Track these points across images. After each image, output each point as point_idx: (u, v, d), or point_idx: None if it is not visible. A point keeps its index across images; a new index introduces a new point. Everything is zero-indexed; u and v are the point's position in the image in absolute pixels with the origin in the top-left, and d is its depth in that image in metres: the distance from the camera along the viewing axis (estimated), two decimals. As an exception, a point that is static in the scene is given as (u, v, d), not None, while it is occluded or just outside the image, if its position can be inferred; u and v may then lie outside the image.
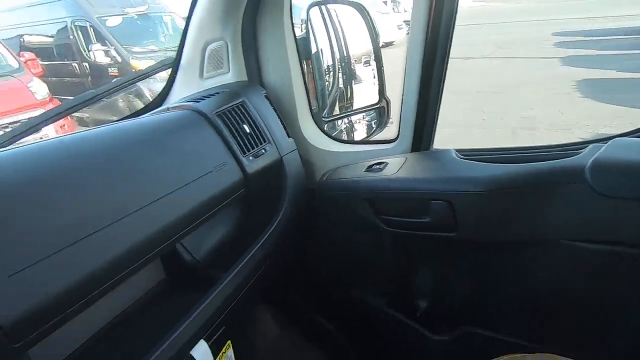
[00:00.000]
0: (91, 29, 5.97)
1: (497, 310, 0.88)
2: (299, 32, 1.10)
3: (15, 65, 4.85)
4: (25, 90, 4.58)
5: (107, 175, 0.61)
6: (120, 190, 0.61)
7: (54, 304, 0.49)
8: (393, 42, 9.28)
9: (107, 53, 5.91)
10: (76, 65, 6.40)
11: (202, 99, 0.87)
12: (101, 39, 5.93)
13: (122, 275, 0.58)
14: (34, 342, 0.49)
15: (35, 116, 0.89)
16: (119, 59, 5.87)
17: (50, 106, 4.71)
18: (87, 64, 6.28)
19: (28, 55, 5.17)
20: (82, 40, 6.14)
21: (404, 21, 10.00)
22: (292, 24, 0.98)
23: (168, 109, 0.88)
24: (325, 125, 1.15)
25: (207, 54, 0.98)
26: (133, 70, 5.84)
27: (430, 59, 0.81)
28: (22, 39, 6.86)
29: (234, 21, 0.93)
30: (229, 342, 0.80)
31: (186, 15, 0.99)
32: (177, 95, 1.08)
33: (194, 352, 0.67)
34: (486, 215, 0.76)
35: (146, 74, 1.11)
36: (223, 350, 0.78)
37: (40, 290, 0.48)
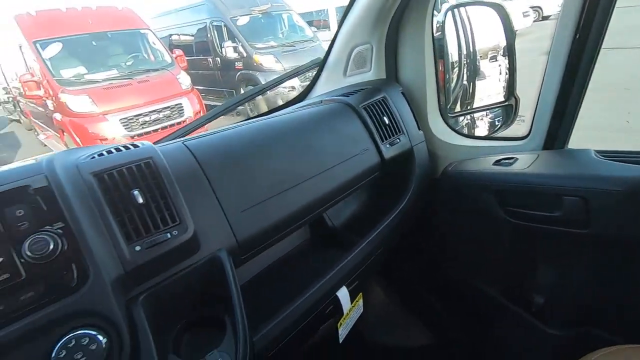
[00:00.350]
0: (225, 28, 6.87)
1: (623, 313, 0.86)
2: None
3: (169, 60, 5.91)
4: (175, 81, 5.57)
5: (295, 149, 0.82)
6: (303, 160, 0.82)
7: (265, 233, 0.72)
8: (516, 31, 8.40)
9: (235, 49, 6.75)
10: (210, 60, 7.47)
11: (351, 94, 1.04)
12: (232, 37, 6.79)
13: (304, 221, 0.79)
14: (249, 258, 0.73)
15: (221, 104, 1.18)
16: (245, 54, 6.65)
17: (192, 95, 5.64)
18: (218, 59, 7.27)
19: (178, 52, 6.20)
20: (217, 38, 7.13)
21: (531, 7, 8.94)
22: (433, 28, 1.08)
23: (322, 101, 1.08)
24: (450, 120, 1.22)
25: (352, 56, 1.15)
26: (255, 64, 6.58)
27: (578, 52, 0.78)
28: (171, 38, 8.24)
29: (381, 27, 1.07)
30: (361, 294, 0.97)
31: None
32: (321, 90, 1.29)
33: (339, 293, 0.86)
34: (626, 215, 0.75)
35: (298, 72, 1.34)
36: (357, 299, 0.95)
37: (261, 222, 0.71)
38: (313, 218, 0.87)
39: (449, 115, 1.24)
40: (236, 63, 6.86)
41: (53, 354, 0.45)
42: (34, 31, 5.12)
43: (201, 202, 0.65)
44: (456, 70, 1.41)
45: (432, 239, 1.21)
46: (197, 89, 6.12)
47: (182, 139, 0.75)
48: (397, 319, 1.30)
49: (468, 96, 1.46)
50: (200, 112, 5.61)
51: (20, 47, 5.32)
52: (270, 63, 6.52)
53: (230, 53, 6.79)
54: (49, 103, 5.13)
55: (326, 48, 1.19)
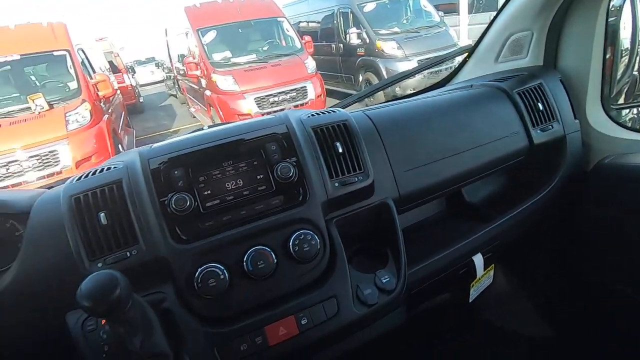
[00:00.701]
0: (351, 14, 7.10)
1: None
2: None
3: (299, 46, 6.44)
4: (303, 65, 6.05)
5: (450, 125, 0.94)
6: (456, 136, 0.93)
7: (421, 192, 0.86)
8: None
9: (359, 35, 6.92)
10: (334, 46, 7.83)
11: (504, 80, 1.09)
12: (357, 23, 6.98)
13: (450, 190, 0.91)
14: (404, 211, 0.88)
15: (372, 85, 1.34)
16: (367, 40, 6.79)
17: (315, 79, 6.06)
18: (341, 45, 7.58)
19: (307, 38, 6.68)
20: (342, 25, 7.42)
21: None
22: (607, 15, 1.04)
23: (472, 86, 1.15)
24: (613, 112, 1.15)
25: (508, 42, 1.18)
26: (376, 50, 6.67)
27: None
28: (300, 25, 8.86)
29: (546, 14, 1.08)
30: (492, 265, 1.05)
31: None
32: (468, 75, 1.34)
33: (474, 258, 0.96)
34: None
35: (446, 58, 1.42)
36: (489, 269, 1.04)
37: (418, 183, 0.85)
38: (457, 189, 0.97)
39: (612, 106, 1.17)
40: (358, 49, 7.05)
41: (290, 241, 0.68)
42: (197, 20, 6.15)
43: (377, 159, 0.82)
44: (626, 58, 1.30)
45: (571, 233, 1.18)
46: (322, 73, 6.53)
47: (362, 108, 0.93)
48: (516, 304, 1.31)
49: (637, 87, 1.33)
50: (321, 95, 6.01)
51: (187, 34, 6.46)
52: (391, 49, 6.53)
53: (353, 39, 6.99)
54: (203, 81, 6.15)
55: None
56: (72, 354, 0.59)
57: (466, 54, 1.35)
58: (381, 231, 0.82)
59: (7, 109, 4.45)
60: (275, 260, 0.66)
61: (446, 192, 0.94)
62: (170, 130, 7.99)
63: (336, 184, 0.75)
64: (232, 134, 0.73)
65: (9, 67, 4.83)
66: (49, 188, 0.83)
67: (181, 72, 7.75)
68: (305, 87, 5.91)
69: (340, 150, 0.76)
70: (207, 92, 6.03)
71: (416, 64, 6.32)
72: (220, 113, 5.73)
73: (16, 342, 0.64)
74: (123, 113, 6.59)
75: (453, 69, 1.41)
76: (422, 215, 1.12)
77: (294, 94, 5.85)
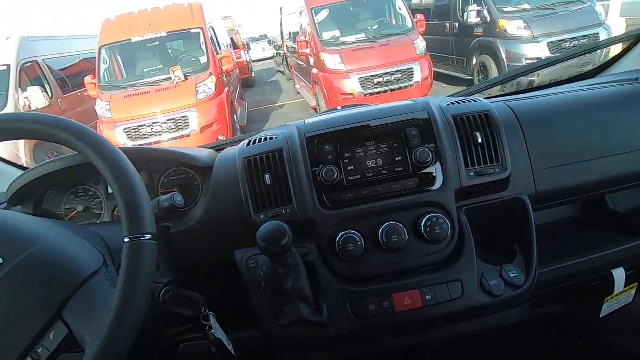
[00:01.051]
0: (474, -11, 6.47)
1: None
2: None
3: (410, 25, 6.16)
4: (411, 46, 5.79)
5: (605, 123, 0.85)
6: (611, 136, 0.84)
7: (560, 193, 0.81)
8: None
9: (479, 13, 6.29)
10: (447, 25, 7.28)
11: None
12: (478, 0, 6.35)
13: (596, 194, 0.84)
14: (539, 209, 0.84)
15: (507, 73, 1.26)
16: (488, 19, 6.13)
17: (424, 61, 5.76)
18: (456, 24, 7.01)
19: (419, 16, 6.33)
20: (460, 2, 6.82)
21: None
22: None
23: (638, 79, 1.00)
24: None
25: (700, 27, 0.98)
26: (498, 30, 5.99)
27: None
28: (411, 2, 8.40)
29: None
30: (636, 284, 0.94)
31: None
32: (630, 65, 1.16)
33: (615, 272, 0.88)
34: None
35: (602, 46, 1.24)
36: (630, 287, 0.93)
37: (559, 182, 0.80)
38: (602, 194, 0.88)
39: None
40: (475, 29, 6.43)
41: (422, 222, 0.72)
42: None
43: (516, 152, 0.80)
44: None
45: None
46: (432, 55, 6.17)
47: (503, 98, 0.90)
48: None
49: None
50: (428, 78, 5.71)
51: (301, 12, 6.71)
52: (516, 29, 5.80)
53: (472, 18, 6.38)
54: (311, 60, 6.37)
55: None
56: (237, 282, 0.75)
57: (629, 41, 1.16)
58: (511, 226, 0.80)
59: (154, 79, 5.33)
60: (407, 237, 0.72)
61: (590, 197, 0.86)
62: (276, 104, 8.55)
63: (471, 174, 0.76)
64: (377, 116, 0.79)
65: (157, 42, 5.72)
66: (215, 149, 1.02)
67: (290, 49, 8.12)
68: (412, 68, 5.66)
69: (480, 141, 0.76)
70: (314, 70, 6.24)
71: (546, 47, 5.54)
72: (325, 91, 5.89)
73: (201, 264, 0.82)
74: (239, 86, 7.27)
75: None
76: (553, 217, 1.04)
77: (399, 75, 5.66)
